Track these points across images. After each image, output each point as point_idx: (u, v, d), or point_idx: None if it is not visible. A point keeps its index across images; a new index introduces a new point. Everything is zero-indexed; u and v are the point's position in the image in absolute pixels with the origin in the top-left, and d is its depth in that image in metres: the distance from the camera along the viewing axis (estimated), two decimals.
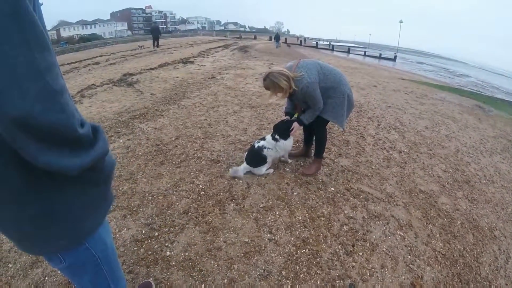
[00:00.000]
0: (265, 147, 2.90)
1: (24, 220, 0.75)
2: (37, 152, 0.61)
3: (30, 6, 0.55)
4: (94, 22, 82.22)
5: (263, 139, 2.99)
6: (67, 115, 0.61)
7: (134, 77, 7.55)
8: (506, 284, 2.27)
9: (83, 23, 79.01)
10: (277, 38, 29.85)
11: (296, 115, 2.96)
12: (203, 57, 12.73)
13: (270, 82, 2.64)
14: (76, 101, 5.44)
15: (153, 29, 18.81)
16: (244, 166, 2.96)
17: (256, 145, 2.93)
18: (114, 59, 12.23)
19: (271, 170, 3.07)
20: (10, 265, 1.91)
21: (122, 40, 35.74)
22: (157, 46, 17.97)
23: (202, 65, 10.05)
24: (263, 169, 2.97)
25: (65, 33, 69.46)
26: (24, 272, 1.87)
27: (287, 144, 3.00)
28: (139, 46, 19.24)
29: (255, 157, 2.92)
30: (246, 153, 3.06)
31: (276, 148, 2.94)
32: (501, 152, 4.95)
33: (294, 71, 2.66)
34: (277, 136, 2.93)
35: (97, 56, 14.10)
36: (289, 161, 3.26)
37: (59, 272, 1.79)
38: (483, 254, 2.51)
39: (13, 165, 0.66)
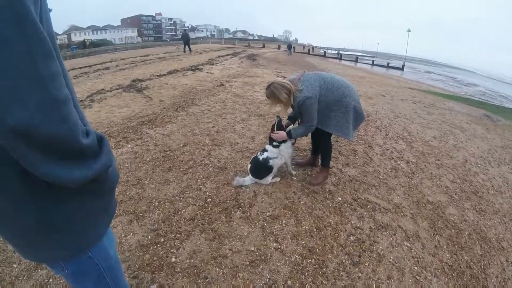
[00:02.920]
0: (270, 158, 2.87)
1: (24, 229, 0.74)
2: (37, 162, 0.59)
3: (33, 12, 0.53)
4: (105, 28, 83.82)
5: (265, 150, 2.94)
6: (69, 125, 0.59)
7: (143, 83, 7.66)
8: None
9: (94, 29, 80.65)
10: (289, 46, 32.62)
11: (291, 127, 2.99)
12: (212, 64, 12.84)
13: (271, 93, 2.65)
14: (85, 106, 5.55)
15: (184, 35, 21.21)
16: (250, 178, 2.96)
17: (261, 158, 2.88)
18: (124, 64, 12.42)
19: (278, 178, 3.07)
20: (14, 266, 1.94)
21: (131, 46, 36.28)
22: (190, 50, 20.19)
23: (210, 73, 10.14)
24: (269, 179, 2.97)
25: (76, 38, 70.83)
26: (29, 273, 1.88)
27: (287, 146, 2.97)
28: (177, 48, 24.20)
29: (261, 169, 2.89)
30: (250, 165, 2.98)
31: (280, 154, 2.92)
32: (509, 162, 4.88)
33: (296, 84, 2.66)
34: (275, 143, 2.91)
35: (107, 62, 14.33)
36: (293, 172, 3.21)
37: None
38: (490, 265, 2.46)
39: (13, 173, 0.64)
